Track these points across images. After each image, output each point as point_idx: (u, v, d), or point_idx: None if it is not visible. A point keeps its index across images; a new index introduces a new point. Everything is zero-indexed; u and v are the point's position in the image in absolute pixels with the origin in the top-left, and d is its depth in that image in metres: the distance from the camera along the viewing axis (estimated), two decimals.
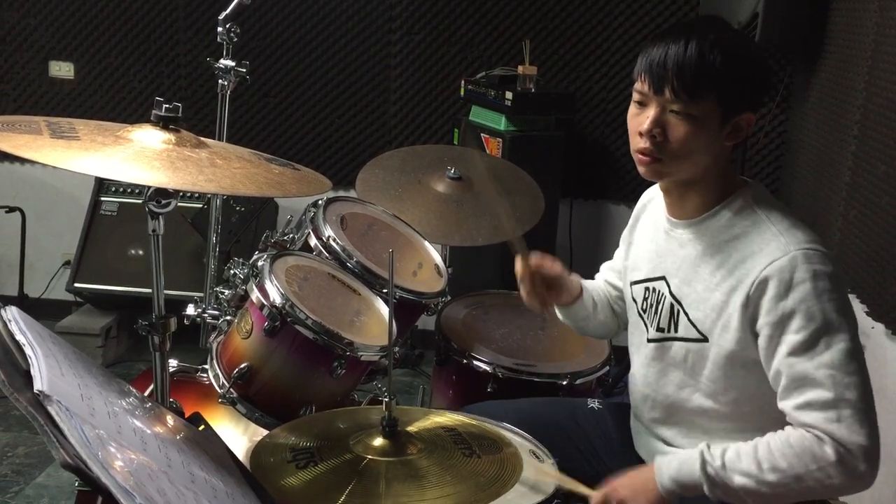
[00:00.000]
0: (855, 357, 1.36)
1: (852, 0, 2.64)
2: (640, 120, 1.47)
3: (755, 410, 1.48)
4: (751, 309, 1.42)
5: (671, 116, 1.43)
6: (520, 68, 3.31)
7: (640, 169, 1.50)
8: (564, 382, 2.06)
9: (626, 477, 1.50)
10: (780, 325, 1.38)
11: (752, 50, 1.46)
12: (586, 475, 1.58)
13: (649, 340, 1.61)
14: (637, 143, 1.48)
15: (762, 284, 1.40)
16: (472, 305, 2.41)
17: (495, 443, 1.42)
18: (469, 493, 1.26)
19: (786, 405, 1.40)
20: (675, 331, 1.55)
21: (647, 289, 1.63)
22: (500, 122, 3.26)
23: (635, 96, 1.49)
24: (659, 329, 1.58)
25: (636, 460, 1.67)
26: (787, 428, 1.40)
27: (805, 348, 1.36)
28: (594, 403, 1.87)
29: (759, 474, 1.37)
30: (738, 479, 1.39)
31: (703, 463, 1.41)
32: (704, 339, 1.50)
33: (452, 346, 2.16)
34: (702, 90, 1.40)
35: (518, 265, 1.77)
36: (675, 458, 1.46)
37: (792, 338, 1.37)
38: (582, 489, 1.50)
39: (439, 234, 2.42)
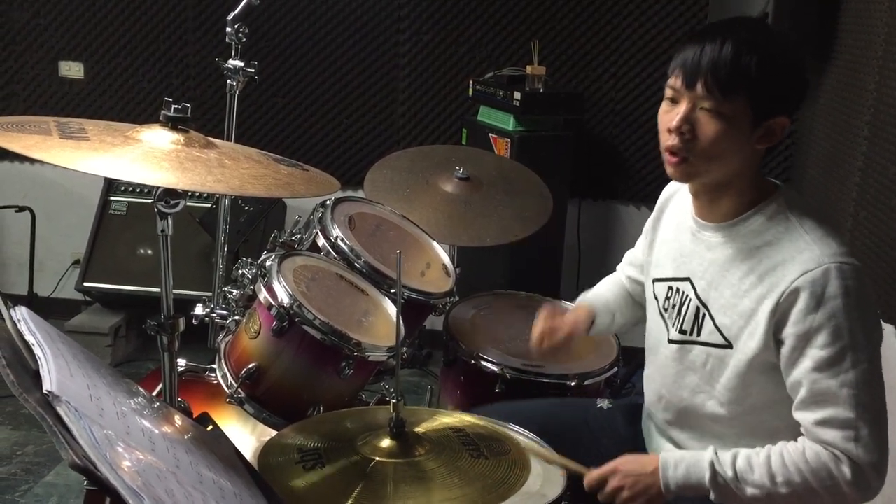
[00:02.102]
0: (876, 375, 1.37)
1: (862, 0, 2.63)
2: (670, 116, 1.45)
3: (771, 417, 1.47)
4: (778, 316, 1.40)
5: (701, 114, 1.41)
6: (528, 68, 3.30)
7: (669, 170, 1.48)
8: (573, 383, 2.05)
9: (627, 463, 1.49)
10: (806, 338, 1.37)
11: (790, 54, 1.43)
12: None
13: (670, 341, 1.59)
14: (666, 140, 1.46)
15: (793, 294, 1.38)
16: (480, 306, 2.41)
17: (503, 444, 1.42)
18: (476, 495, 1.26)
19: (804, 417, 1.39)
20: (699, 335, 1.53)
21: (670, 288, 1.61)
22: (509, 123, 3.25)
23: (668, 92, 1.46)
24: (682, 331, 1.56)
25: None
26: (801, 441, 1.40)
27: (830, 365, 1.35)
28: (603, 403, 1.86)
29: (773, 487, 1.38)
30: (750, 491, 1.39)
31: (714, 474, 1.41)
32: (728, 346, 1.48)
33: (460, 347, 2.15)
34: (734, 89, 1.38)
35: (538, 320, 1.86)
36: (683, 463, 1.45)
37: (817, 353, 1.36)
38: (578, 468, 1.51)
39: (447, 234, 2.42)
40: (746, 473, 1.40)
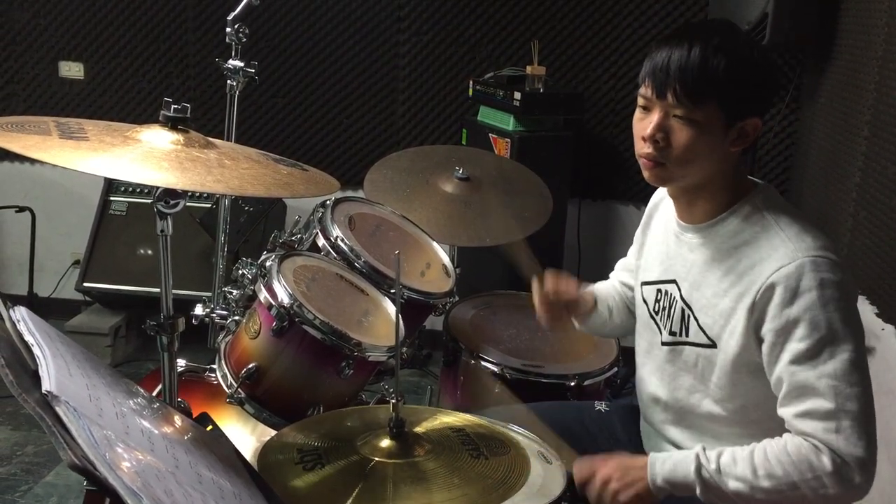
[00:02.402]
0: (858, 368, 1.35)
1: (863, 0, 2.63)
2: (643, 125, 1.46)
3: (763, 417, 1.47)
4: (756, 314, 1.41)
5: (674, 121, 1.42)
6: (528, 68, 3.30)
7: (645, 174, 1.50)
8: (572, 383, 2.06)
9: (616, 460, 1.49)
10: (784, 333, 1.37)
11: (758, 54, 1.44)
12: None
13: (663, 343, 1.60)
14: (641, 147, 1.47)
15: (769, 290, 1.38)
16: (480, 306, 2.41)
17: (503, 444, 1.42)
18: (476, 495, 1.26)
19: (785, 412, 1.39)
20: (687, 335, 1.54)
21: (658, 291, 1.62)
22: (509, 123, 3.25)
23: (640, 101, 1.48)
24: (672, 333, 1.57)
25: None
26: (785, 435, 1.40)
27: (808, 357, 1.35)
28: (601, 406, 1.86)
29: (754, 480, 1.37)
30: (733, 484, 1.39)
31: (699, 466, 1.41)
32: (713, 345, 1.49)
33: (460, 347, 2.16)
34: (704, 95, 1.39)
35: (534, 290, 1.81)
36: (670, 459, 1.45)
37: (795, 346, 1.36)
38: (565, 452, 1.50)
39: (447, 234, 2.42)
40: (729, 467, 1.39)
